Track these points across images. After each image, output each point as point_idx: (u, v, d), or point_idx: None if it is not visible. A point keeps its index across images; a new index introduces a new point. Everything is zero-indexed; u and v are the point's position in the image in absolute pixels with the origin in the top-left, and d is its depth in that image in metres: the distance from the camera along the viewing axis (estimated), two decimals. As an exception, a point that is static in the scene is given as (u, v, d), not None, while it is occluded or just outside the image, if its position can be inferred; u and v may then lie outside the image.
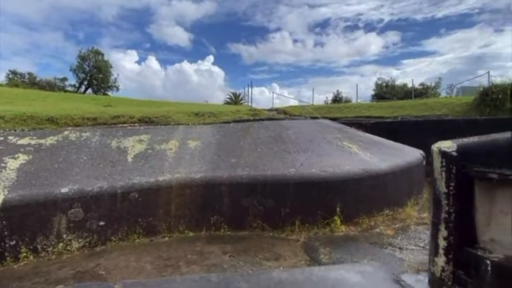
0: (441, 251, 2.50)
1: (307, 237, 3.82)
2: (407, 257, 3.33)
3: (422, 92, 23.35)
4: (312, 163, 4.45)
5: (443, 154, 2.36)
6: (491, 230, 2.25)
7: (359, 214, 4.40)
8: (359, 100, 21.73)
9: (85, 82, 32.98)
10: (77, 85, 33.15)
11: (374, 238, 3.93)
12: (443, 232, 2.39)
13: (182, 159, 4.40)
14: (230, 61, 75.03)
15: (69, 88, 32.65)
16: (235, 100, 29.33)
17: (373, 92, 27.42)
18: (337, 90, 31.99)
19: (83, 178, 3.58)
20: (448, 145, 2.54)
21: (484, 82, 13.37)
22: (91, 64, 32.20)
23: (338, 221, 4.12)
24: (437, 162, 2.43)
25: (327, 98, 27.05)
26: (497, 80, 10.74)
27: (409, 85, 24.76)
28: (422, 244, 3.73)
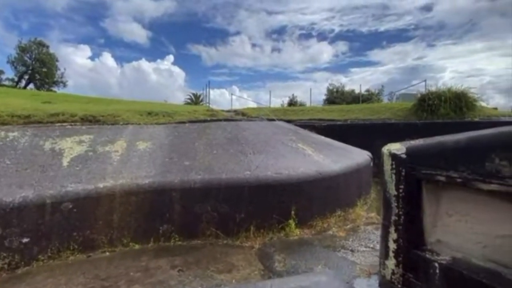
0: (391, 254, 2.45)
1: (262, 243, 3.61)
2: (359, 260, 3.28)
3: (367, 98, 24.83)
4: (267, 165, 4.26)
5: (393, 156, 2.29)
6: (438, 231, 2.23)
7: (313, 216, 4.31)
8: (312, 104, 22.37)
9: (26, 76, 29.40)
10: (16, 79, 29.39)
11: (328, 241, 3.85)
12: (393, 235, 2.33)
13: (129, 163, 3.92)
14: (191, 62, 73.10)
15: (6, 83, 28.80)
16: (195, 100, 28.33)
17: (324, 97, 28.53)
18: (293, 94, 32.79)
19: (2, 187, 2.95)
20: (397, 147, 2.50)
21: (420, 89, 14.44)
22: (33, 56, 28.63)
23: (293, 225, 3.98)
24: (387, 164, 2.35)
25: (283, 101, 27.49)
26: (432, 88, 11.60)
27: (357, 91, 26.38)
28: (371, 245, 3.73)
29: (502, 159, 1.26)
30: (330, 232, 4.18)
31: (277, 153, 4.77)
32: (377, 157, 7.68)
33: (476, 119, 9.51)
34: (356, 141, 8.49)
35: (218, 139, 4.97)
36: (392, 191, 2.18)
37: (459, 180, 1.51)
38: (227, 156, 4.37)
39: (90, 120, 5.38)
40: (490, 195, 1.51)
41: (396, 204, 2.19)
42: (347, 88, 29.24)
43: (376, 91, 27.50)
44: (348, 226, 4.50)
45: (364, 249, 3.62)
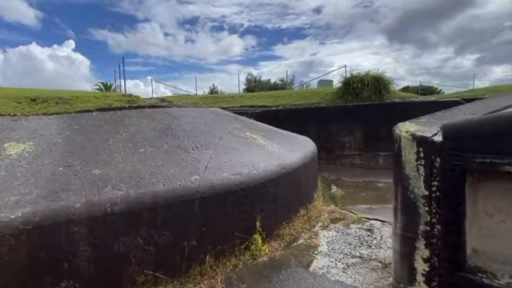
0: (419, 278, 1.73)
1: (225, 278, 2.46)
2: (359, 281, 2.45)
3: (282, 87, 25.53)
4: (220, 164, 3.08)
5: (421, 141, 1.51)
6: (473, 238, 1.53)
7: (279, 223, 3.37)
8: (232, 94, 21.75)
9: None
10: None
11: (306, 256, 2.95)
12: (423, 252, 1.67)
13: (-14, 181, 2.22)
14: (96, 49, 63.64)
15: None
16: (106, 90, 24.10)
17: (244, 86, 28.27)
18: (213, 84, 31.71)
19: None
20: (418, 128, 1.69)
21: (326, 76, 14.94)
22: None
23: (259, 240, 2.94)
24: (409, 153, 1.57)
25: (204, 91, 25.97)
26: (354, 72, 11.83)
27: (272, 80, 28.65)
28: (358, 253, 2.98)
29: None
30: (302, 241, 3.31)
31: (227, 146, 3.61)
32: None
33: (397, 100, 9.98)
34: (291, 126, 7.87)
35: (144, 132, 3.51)
36: (420, 190, 1.50)
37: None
38: (161, 156, 3.01)
39: None
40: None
41: (427, 208, 1.47)
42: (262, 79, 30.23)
43: (289, 81, 28.84)
44: (317, 228, 3.71)
45: (353, 260, 2.83)
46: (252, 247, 2.89)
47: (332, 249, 3.09)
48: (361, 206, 4.76)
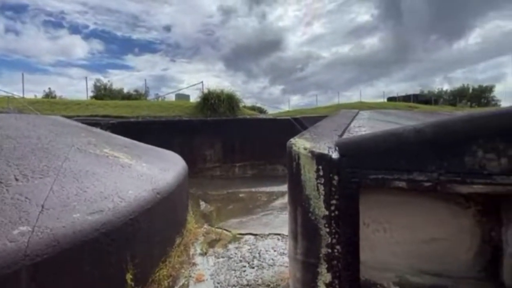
0: None
1: None
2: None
3: (137, 98, 23.32)
4: (67, 200, 1.98)
5: (320, 158, 1.38)
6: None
7: (155, 265, 2.58)
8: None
9: None
10: None
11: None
12: (325, 276, 1.41)
13: None
14: None
15: None
16: None
17: (92, 94, 23.36)
18: (49, 88, 24.61)
19: None
20: (314, 144, 1.64)
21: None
22: None
23: (131, 298, 2.07)
24: (309, 171, 1.42)
25: (36, 96, 19.29)
26: (212, 88, 12.00)
27: (125, 90, 25.63)
28: (245, 281, 2.62)
29: (488, 151, 0.92)
30: (184, 281, 2.66)
31: (78, 170, 2.47)
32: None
33: (248, 116, 10.77)
34: (154, 139, 6.94)
35: None
36: (320, 210, 1.37)
37: (427, 184, 1.06)
38: None
39: None
40: (410, 195, 1.20)
41: (327, 229, 1.36)
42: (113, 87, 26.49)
43: (143, 92, 26.71)
44: (196, 258, 3.13)
45: (243, 291, 2.44)
46: (121, 310, 1.98)
47: (218, 283, 2.59)
48: (232, 221, 4.53)
